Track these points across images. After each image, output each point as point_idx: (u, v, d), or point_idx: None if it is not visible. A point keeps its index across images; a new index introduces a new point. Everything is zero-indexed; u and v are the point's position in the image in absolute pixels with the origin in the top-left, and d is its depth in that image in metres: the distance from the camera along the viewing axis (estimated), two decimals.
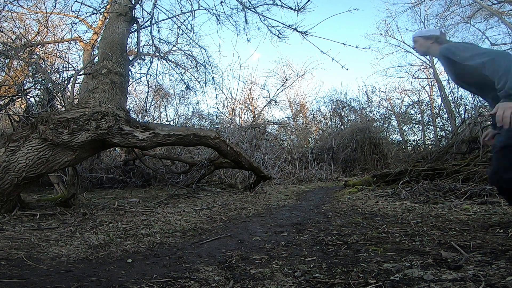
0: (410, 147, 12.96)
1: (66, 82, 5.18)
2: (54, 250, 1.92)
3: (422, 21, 14.92)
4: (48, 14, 7.06)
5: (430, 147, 10.13)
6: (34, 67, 5.57)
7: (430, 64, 15.16)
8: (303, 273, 1.48)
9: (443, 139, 10.42)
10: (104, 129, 3.22)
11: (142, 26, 4.96)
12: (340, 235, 2.20)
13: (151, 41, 5.37)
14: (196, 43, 9.19)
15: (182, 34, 5.87)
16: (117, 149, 8.19)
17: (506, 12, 11.33)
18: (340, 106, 14.64)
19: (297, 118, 15.34)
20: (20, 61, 6.00)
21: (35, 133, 2.95)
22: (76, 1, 5.04)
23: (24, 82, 5.83)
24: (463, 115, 9.84)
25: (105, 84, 3.73)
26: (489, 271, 1.34)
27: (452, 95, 12.89)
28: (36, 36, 7.56)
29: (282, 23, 4.52)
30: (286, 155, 9.60)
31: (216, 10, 5.06)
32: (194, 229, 2.58)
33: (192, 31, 6.45)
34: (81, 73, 5.58)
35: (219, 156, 5.27)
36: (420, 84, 17.34)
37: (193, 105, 16.05)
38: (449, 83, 13.34)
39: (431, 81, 15.80)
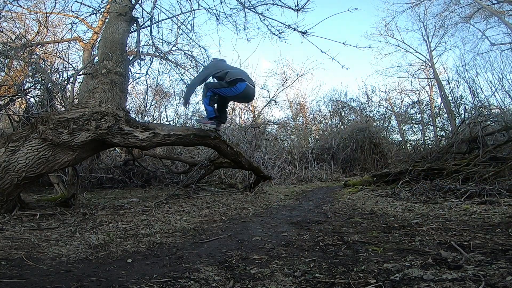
0: (410, 147, 12.93)
1: (66, 82, 5.17)
2: (54, 250, 1.92)
3: (421, 21, 14.95)
4: (48, 14, 7.04)
5: (430, 147, 10.11)
6: (34, 67, 5.56)
7: (430, 64, 15.17)
8: (303, 273, 1.48)
9: (443, 139, 10.40)
10: (104, 129, 3.22)
11: (142, 26, 4.96)
12: (340, 235, 2.20)
13: (151, 41, 5.37)
14: (196, 43, 9.13)
15: (182, 34, 5.85)
16: (117, 149, 8.18)
17: (505, 12, 11.33)
18: (340, 106, 14.61)
19: (297, 118, 15.33)
20: (20, 61, 5.99)
21: (35, 133, 2.95)
22: (75, 1, 5.03)
23: (24, 82, 5.83)
24: (463, 115, 9.84)
25: (105, 84, 3.72)
26: (489, 271, 1.34)
27: (452, 95, 12.91)
28: (36, 36, 7.54)
29: (282, 23, 4.51)
30: (286, 155, 9.59)
31: (216, 10, 5.05)
32: (194, 229, 2.58)
33: (192, 31, 6.42)
34: (81, 73, 5.58)
35: (219, 156, 5.26)
36: (420, 84, 17.29)
37: (193, 105, 16.01)
38: (449, 83, 13.37)
39: (431, 81, 15.82)
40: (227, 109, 4.30)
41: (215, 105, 4.10)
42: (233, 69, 3.93)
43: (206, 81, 4.03)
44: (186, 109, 4.47)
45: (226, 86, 3.83)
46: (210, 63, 4.20)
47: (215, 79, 4.05)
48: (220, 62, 4.12)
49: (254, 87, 4.04)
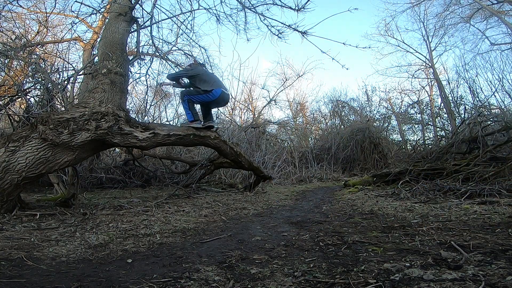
0: (410, 147, 12.94)
1: (66, 82, 5.17)
2: (54, 250, 1.92)
3: (421, 21, 14.95)
4: (48, 14, 7.04)
5: (430, 147, 10.10)
6: (34, 67, 5.56)
7: (430, 64, 15.16)
8: (303, 273, 1.48)
9: (443, 139, 10.41)
10: (104, 129, 3.22)
11: (142, 26, 4.96)
12: (340, 235, 2.20)
13: (151, 41, 5.37)
14: (196, 43, 9.10)
15: (182, 34, 5.86)
16: (117, 149, 8.18)
17: (505, 12, 11.33)
18: (340, 106, 14.62)
19: (297, 118, 15.33)
20: (20, 61, 5.99)
21: (35, 133, 2.95)
22: (76, 1, 5.03)
23: (24, 82, 5.83)
24: (463, 115, 9.85)
25: (105, 84, 3.72)
26: (489, 271, 1.34)
27: (452, 95, 12.91)
28: (36, 36, 7.54)
29: (282, 23, 4.51)
30: (286, 155, 9.58)
31: (216, 10, 5.05)
32: (194, 229, 2.58)
33: (192, 31, 6.43)
34: (81, 73, 5.58)
35: (219, 156, 5.26)
36: (420, 84, 17.28)
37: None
38: (449, 83, 13.37)
39: (430, 81, 15.81)
40: (211, 112, 4.61)
41: (198, 110, 4.50)
42: (210, 76, 4.27)
43: (183, 89, 4.45)
44: (175, 85, 4.72)
45: (202, 93, 4.16)
46: (194, 68, 4.46)
47: (191, 87, 4.40)
48: (199, 68, 4.41)
49: (229, 93, 4.48)
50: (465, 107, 10.69)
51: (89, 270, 1.57)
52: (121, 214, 3.13)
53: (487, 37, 12.81)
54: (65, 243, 2.08)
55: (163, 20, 5.64)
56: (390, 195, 4.37)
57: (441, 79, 14.46)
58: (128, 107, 4.64)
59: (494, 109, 9.39)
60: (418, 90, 16.13)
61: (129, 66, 4.68)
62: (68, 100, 4.68)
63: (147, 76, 6.92)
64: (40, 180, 4.49)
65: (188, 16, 5.43)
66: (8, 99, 5.54)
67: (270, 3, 4.50)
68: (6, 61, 5.80)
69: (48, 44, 7.86)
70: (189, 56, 6.22)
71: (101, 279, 1.45)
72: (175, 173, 6.93)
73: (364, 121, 13.06)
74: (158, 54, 5.97)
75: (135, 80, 6.61)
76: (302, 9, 4.14)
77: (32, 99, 5.63)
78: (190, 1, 5.11)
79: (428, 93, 16.03)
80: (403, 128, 15.85)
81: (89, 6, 5.59)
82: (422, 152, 8.81)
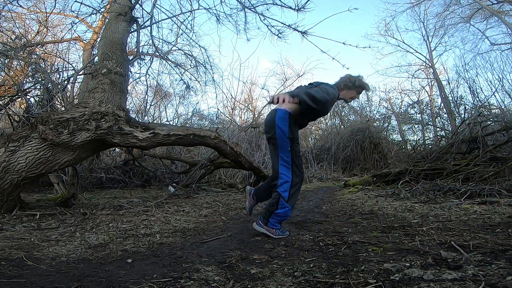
0: (410, 147, 12.93)
1: (66, 82, 5.17)
2: (54, 250, 1.92)
3: (421, 21, 14.95)
4: (48, 14, 7.05)
5: (430, 147, 10.09)
6: (34, 67, 5.56)
7: (430, 64, 15.17)
8: (303, 273, 1.48)
9: (443, 139, 10.41)
10: (104, 129, 3.22)
11: (142, 26, 4.96)
12: (340, 235, 2.20)
13: (151, 41, 5.37)
14: (196, 43, 9.14)
15: (182, 34, 5.87)
16: (117, 149, 8.19)
17: (505, 12, 11.33)
18: (340, 105, 14.60)
19: None
20: (20, 61, 5.99)
21: (35, 133, 2.95)
22: (76, 1, 5.03)
23: (24, 82, 5.83)
24: (463, 115, 9.84)
25: (105, 84, 3.72)
26: (489, 271, 1.34)
27: (452, 95, 12.90)
28: (36, 36, 7.54)
29: (282, 23, 4.51)
30: None
31: (216, 10, 5.05)
32: (194, 229, 2.58)
33: (192, 31, 6.43)
34: (81, 73, 5.57)
35: (219, 156, 5.27)
36: (420, 84, 17.29)
37: (193, 105, 16.07)
38: (449, 83, 13.36)
39: (430, 81, 15.81)
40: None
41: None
42: None
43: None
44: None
45: None
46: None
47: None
48: None
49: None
50: (465, 107, 10.68)
51: (89, 270, 1.57)
52: (121, 214, 3.13)
53: (487, 37, 12.83)
54: (65, 243, 2.08)
55: (163, 20, 5.65)
56: (390, 195, 4.36)
57: (441, 79, 14.48)
58: (128, 107, 4.64)
59: (494, 109, 9.39)
60: (418, 90, 16.16)
61: (129, 66, 4.67)
62: (68, 100, 4.68)
63: (147, 76, 6.92)
64: (40, 180, 4.49)
65: (188, 16, 5.45)
66: (8, 99, 5.54)
67: (270, 3, 4.50)
68: (6, 61, 5.80)
69: (48, 44, 7.87)
70: None
71: (101, 279, 1.45)
72: (175, 173, 6.93)
73: (364, 121, 13.05)
74: (158, 54, 5.97)
75: (135, 80, 6.62)
76: (302, 9, 4.14)
77: (32, 99, 5.62)
78: (190, 1, 5.12)
79: (428, 93, 16.05)
80: (403, 128, 15.84)
81: (89, 6, 5.60)
82: (422, 152, 8.80)
